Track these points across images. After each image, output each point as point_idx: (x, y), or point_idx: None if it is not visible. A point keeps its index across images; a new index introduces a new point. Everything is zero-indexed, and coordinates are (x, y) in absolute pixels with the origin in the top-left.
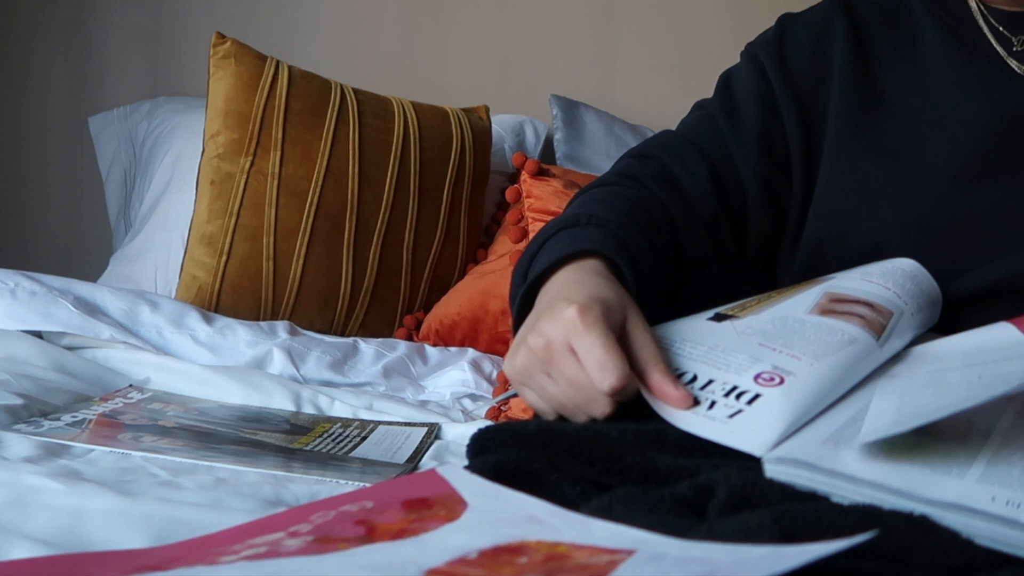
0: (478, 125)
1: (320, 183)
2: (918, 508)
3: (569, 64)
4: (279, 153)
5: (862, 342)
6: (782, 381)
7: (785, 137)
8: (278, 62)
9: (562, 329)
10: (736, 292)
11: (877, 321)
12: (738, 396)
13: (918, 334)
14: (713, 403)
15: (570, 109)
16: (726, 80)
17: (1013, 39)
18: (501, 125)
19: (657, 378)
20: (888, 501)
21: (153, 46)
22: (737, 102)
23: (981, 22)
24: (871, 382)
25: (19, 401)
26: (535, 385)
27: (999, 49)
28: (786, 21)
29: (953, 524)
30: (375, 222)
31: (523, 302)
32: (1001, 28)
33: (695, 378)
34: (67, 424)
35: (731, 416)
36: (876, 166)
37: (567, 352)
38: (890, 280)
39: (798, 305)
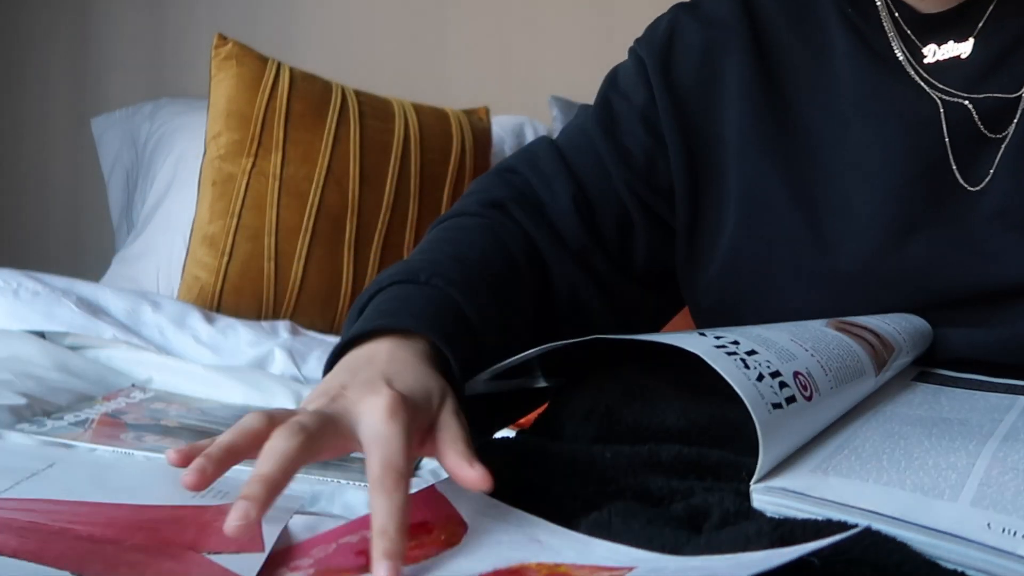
0: (478, 126)
1: (321, 184)
2: (913, 538)
3: (569, 65)
4: (280, 154)
5: (867, 374)
6: (811, 397)
7: (668, 162)
8: (279, 64)
9: (368, 409)
10: (630, 321)
11: (881, 354)
12: (781, 386)
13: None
14: (761, 376)
15: (570, 110)
16: (609, 85)
17: (922, 48)
18: (501, 126)
19: (453, 459)
20: (882, 531)
21: (155, 48)
22: (616, 117)
23: (888, 25)
24: (857, 413)
25: (22, 401)
26: (311, 425)
27: (907, 63)
28: (678, 16)
29: (947, 554)
30: (376, 222)
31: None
32: (910, 32)
33: (737, 343)
34: (70, 424)
35: (774, 407)
36: (796, 226)
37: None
38: (888, 317)
39: (810, 321)
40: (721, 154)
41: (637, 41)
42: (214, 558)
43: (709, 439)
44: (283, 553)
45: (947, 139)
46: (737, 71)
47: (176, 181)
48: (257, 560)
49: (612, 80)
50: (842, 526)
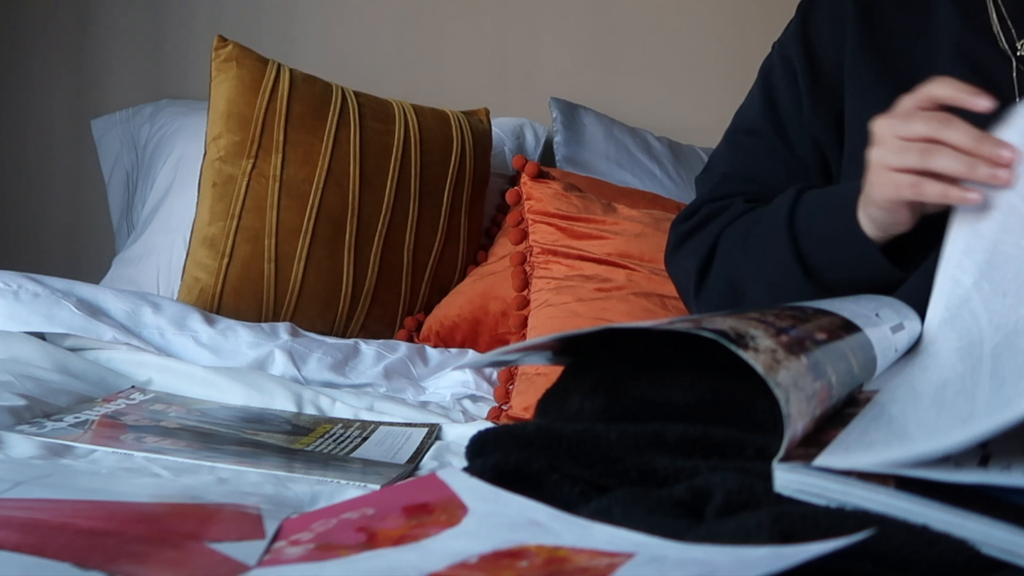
0: (478, 128)
1: (321, 185)
2: (939, 515)
3: (569, 67)
4: (280, 156)
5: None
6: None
7: (823, 143)
8: (279, 65)
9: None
10: None
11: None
12: None
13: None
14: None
15: (570, 112)
16: (768, 92)
17: (1017, 43)
18: (501, 128)
19: None
20: (903, 507)
21: (155, 49)
22: (784, 123)
23: (991, 9)
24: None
25: (22, 402)
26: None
27: (1004, 45)
28: (806, 11)
29: (970, 533)
30: (376, 224)
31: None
32: (1009, 21)
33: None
34: (70, 425)
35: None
36: None
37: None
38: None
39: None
40: (843, 106)
41: (777, 43)
42: (216, 546)
43: (716, 415)
44: (284, 527)
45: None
46: (849, 39)
47: (176, 183)
48: (258, 547)
49: (767, 88)
50: (842, 518)
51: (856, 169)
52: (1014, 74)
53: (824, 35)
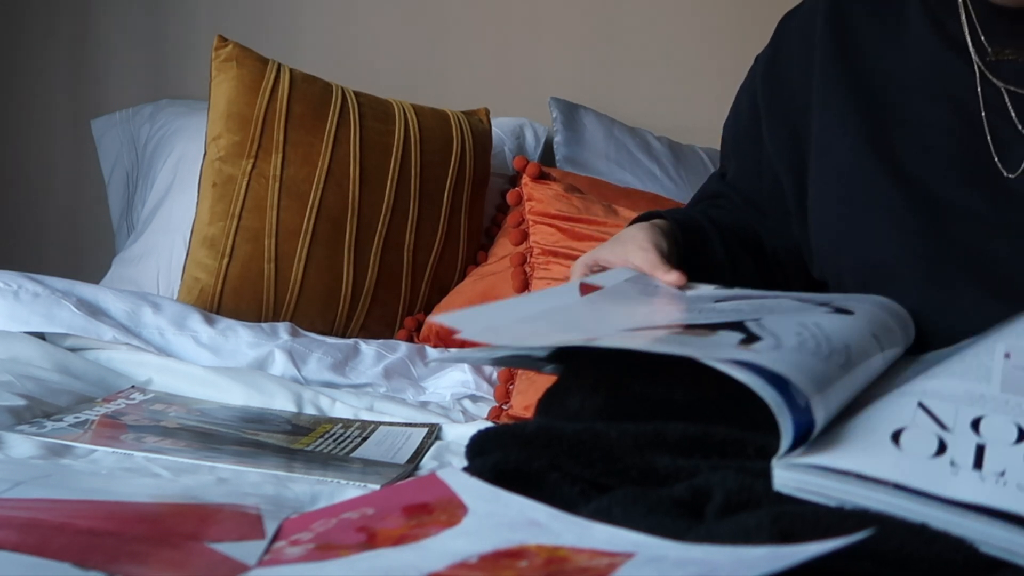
0: (478, 127)
1: (321, 185)
2: (938, 514)
3: (569, 67)
4: (280, 156)
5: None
6: None
7: (771, 160)
8: (279, 65)
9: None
10: None
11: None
12: None
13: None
14: None
15: (570, 112)
16: (737, 106)
17: (988, 48)
18: (501, 127)
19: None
20: (902, 506)
21: (155, 49)
22: (745, 139)
23: (963, 15)
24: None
25: (22, 402)
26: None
27: (973, 54)
28: (780, 27)
29: (970, 532)
30: (376, 224)
31: None
32: (979, 27)
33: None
34: (70, 425)
35: None
36: (853, 172)
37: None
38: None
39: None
40: (809, 126)
41: (758, 55)
42: (215, 546)
43: (716, 413)
44: (284, 527)
45: (986, 125)
46: (819, 54)
47: (176, 183)
48: (258, 547)
49: (735, 107)
50: (842, 518)
51: (822, 183)
52: (978, 87)
53: (794, 49)
